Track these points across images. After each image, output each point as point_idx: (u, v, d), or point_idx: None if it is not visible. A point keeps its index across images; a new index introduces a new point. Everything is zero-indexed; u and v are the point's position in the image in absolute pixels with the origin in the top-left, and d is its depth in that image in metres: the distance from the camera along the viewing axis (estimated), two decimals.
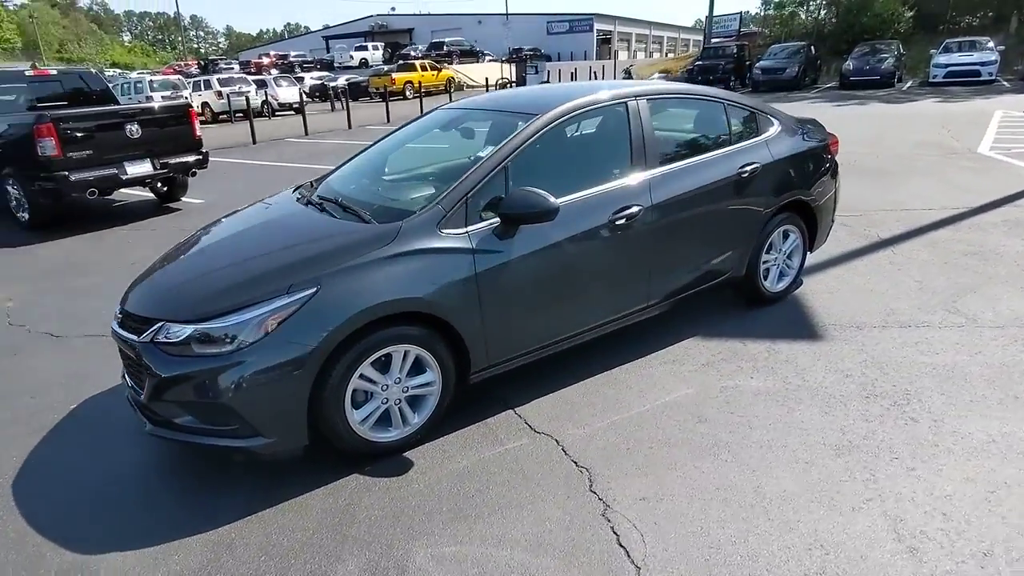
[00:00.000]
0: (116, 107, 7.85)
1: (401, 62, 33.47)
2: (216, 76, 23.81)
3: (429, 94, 29.88)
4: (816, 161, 4.08)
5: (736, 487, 2.42)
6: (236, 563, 2.20)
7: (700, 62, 24.36)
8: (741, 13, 31.68)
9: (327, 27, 61.59)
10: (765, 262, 3.96)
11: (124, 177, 7.46)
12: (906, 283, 4.33)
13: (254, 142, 14.99)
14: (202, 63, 49.02)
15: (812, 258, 4.76)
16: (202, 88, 22.29)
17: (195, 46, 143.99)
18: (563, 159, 3.36)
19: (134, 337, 2.55)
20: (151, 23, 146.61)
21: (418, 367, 2.74)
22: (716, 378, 3.24)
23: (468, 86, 32.20)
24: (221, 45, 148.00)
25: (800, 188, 3.94)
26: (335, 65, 42.26)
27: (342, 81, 32.90)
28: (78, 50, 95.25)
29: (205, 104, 22.08)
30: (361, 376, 2.56)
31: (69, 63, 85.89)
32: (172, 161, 7.92)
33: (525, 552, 2.17)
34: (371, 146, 3.97)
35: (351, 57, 41.13)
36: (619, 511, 2.33)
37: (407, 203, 2.98)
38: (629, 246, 3.21)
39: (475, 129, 3.79)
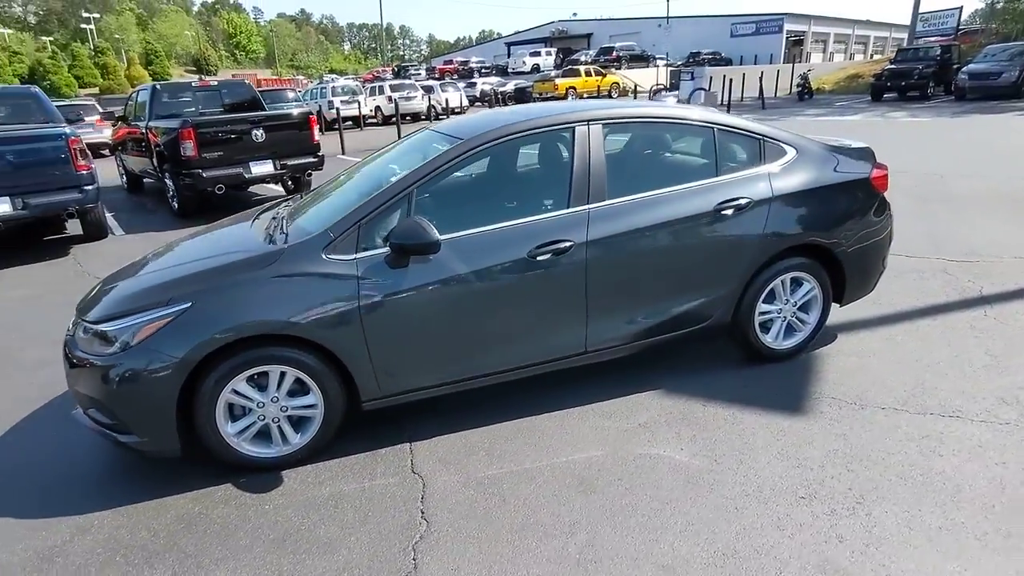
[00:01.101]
0: (245, 115, 8.89)
1: (567, 67, 33.75)
2: (388, 82, 25.94)
3: (593, 98, 29.88)
4: (845, 198, 3.38)
5: None
6: (77, 551, 2.39)
7: (891, 66, 21.32)
8: (960, 8, 27.08)
9: (517, 33, 63.97)
10: (765, 313, 3.38)
11: (248, 176, 8.47)
12: (973, 356, 3.42)
13: None
14: (395, 69, 53.74)
15: (869, 309, 3.98)
16: (376, 93, 24.44)
17: (400, 53, 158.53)
18: (485, 186, 3.16)
19: (65, 332, 2.89)
20: (367, 33, 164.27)
21: (304, 388, 2.76)
22: (641, 443, 2.83)
23: (632, 91, 31.58)
24: (423, 52, 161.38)
25: (817, 229, 3.29)
26: (509, 71, 43.85)
27: (511, 86, 34.13)
28: (305, 58, 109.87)
29: (377, 108, 24.21)
30: (235, 391, 2.65)
31: (297, 70, 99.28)
32: (291, 162, 8.83)
33: None
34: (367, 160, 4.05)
35: (524, 63, 42.38)
36: None
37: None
38: (557, 285, 2.92)
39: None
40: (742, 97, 24.20)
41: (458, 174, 2.97)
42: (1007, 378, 3.18)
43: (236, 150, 8.34)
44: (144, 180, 11.08)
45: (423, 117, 24.37)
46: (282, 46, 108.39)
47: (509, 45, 57.99)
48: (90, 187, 7.04)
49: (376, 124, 24.07)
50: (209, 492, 2.69)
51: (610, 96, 30.14)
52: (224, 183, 8.27)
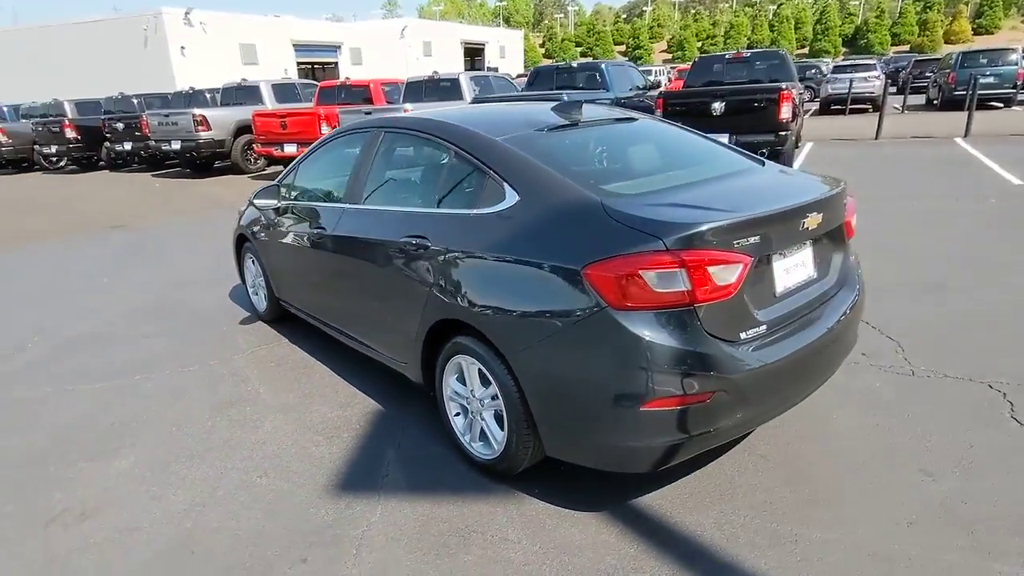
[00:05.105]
0: (712, 88, 9.00)
1: None
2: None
3: None
4: (530, 284, 2.10)
5: None
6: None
7: None
8: None
9: None
10: (458, 394, 2.60)
11: None
12: None
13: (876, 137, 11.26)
14: None
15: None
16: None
17: None
18: (329, 170, 3.58)
19: None
20: None
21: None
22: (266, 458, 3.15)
23: None
24: None
25: (475, 309, 2.28)
26: None
27: None
28: None
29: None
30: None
31: None
32: (746, 138, 8.51)
33: None
34: None
35: None
36: None
37: None
38: (327, 263, 3.33)
39: None
40: None
41: (332, 156, 3.67)
42: None
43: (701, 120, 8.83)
44: None
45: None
46: None
47: None
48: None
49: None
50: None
51: None
52: None
